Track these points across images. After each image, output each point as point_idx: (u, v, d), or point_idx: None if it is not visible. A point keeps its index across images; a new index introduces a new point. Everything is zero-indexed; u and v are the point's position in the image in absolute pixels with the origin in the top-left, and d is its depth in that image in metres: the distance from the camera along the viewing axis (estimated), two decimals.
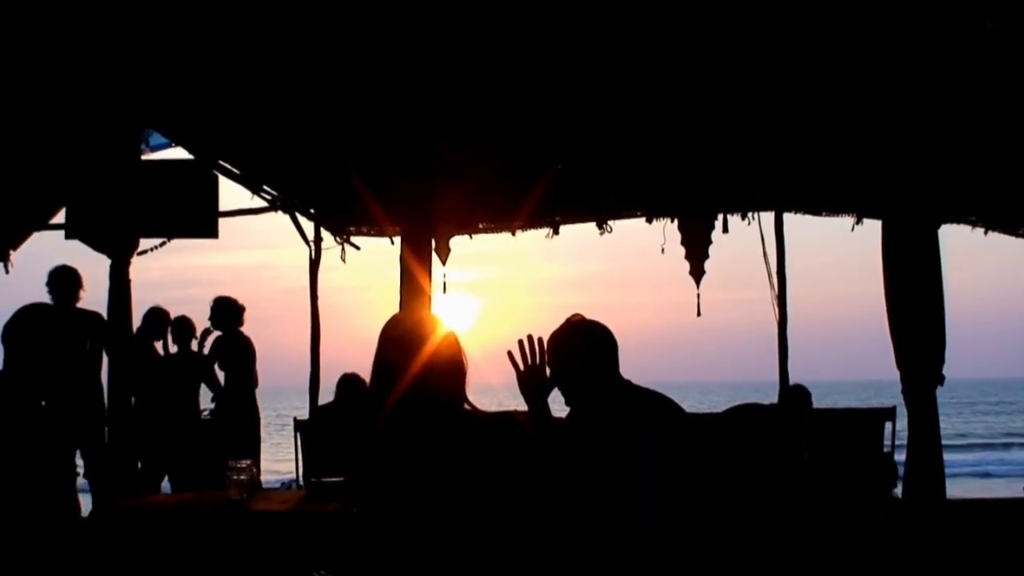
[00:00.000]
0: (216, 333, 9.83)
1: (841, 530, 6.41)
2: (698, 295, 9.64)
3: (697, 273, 9.53)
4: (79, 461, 8.33)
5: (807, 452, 7.34)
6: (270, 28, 5.58)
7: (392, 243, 9.70)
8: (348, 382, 8.13)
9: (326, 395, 8.46)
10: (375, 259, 10.48)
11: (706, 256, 9.45)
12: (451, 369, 3.37)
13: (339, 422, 7.94)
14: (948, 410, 56.81)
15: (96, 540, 4.85)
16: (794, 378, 9.26)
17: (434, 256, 8.30)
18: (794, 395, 8.86)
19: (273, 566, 5.27)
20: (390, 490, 3.30)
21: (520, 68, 6.27)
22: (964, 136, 7.28)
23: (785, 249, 9.45)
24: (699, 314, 9.75)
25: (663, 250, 9.54)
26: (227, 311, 9.84)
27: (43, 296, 8.38)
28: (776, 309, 9.47)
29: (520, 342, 3.88)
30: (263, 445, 10.42)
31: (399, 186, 7.28)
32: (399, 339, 3.38)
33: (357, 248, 10.21)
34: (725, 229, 9.41)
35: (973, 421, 55.71)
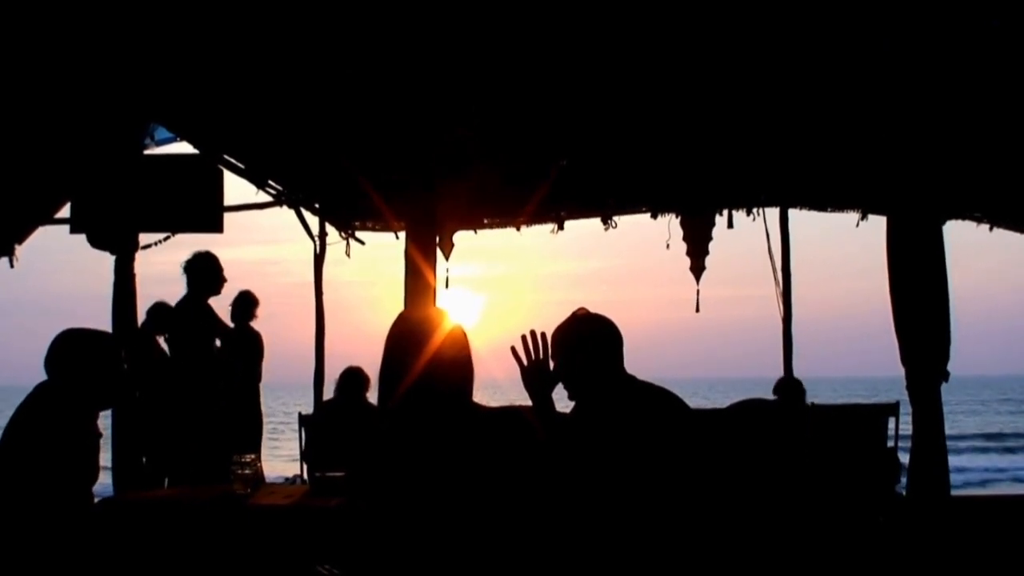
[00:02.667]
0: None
1: (844, 525, 6.42)
2: (697, 291, 9.66)
3: (697, 269, 9.53)
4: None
5: (811, 448, 7.35)
6: (275, 22, 5.58)
7: (397, 238, 9.72)
8: (351, 375, 8.14)
9: (331, 391, 8.47)
10: (380, 254, 10.50)
11: (706, 252, 9.46)
12: (457, 364, 3.37)
13: (342, 416, 7.95)
14: (961, 408, 56.31)
15: (99, 534, 4.86)
16: (799, 374, 9.27)
17: (438, 251, 8.30)
18: (788, 388, 8.82)
19: (277, 561, 5.27)
20: (395, 485, 3.30)
21: (525, 64, 6.27)
22: (969, 132, 7.28)
23: (790, 245, 9.46)
24: (697, 310, 9.76)
25: (668, 246, 9.56)
26: (248, 305, 9.89)
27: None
28: (781, 305, 9.48)
29: (523, 337, 3.88)
30: (264, 440, 10.44)
31: (404, 181, 7.28)
32: (406, 335, 3.38)
33: (362, 243, 10.22)
34: (730, 225, 9.42)
35: (997, 420, 54.63)
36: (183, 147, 7.85)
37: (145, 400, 8.59)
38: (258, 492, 5.98)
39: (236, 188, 8.48)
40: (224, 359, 9.57)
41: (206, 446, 8.80)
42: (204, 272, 8.85)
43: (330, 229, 9.85)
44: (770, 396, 8.75)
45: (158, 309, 9.56)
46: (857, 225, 9.28)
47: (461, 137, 7.39)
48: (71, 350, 4.55)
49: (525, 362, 3.87)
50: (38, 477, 4.36)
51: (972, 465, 28.81)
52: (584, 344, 4.01)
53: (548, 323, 4.05)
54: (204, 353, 8.88)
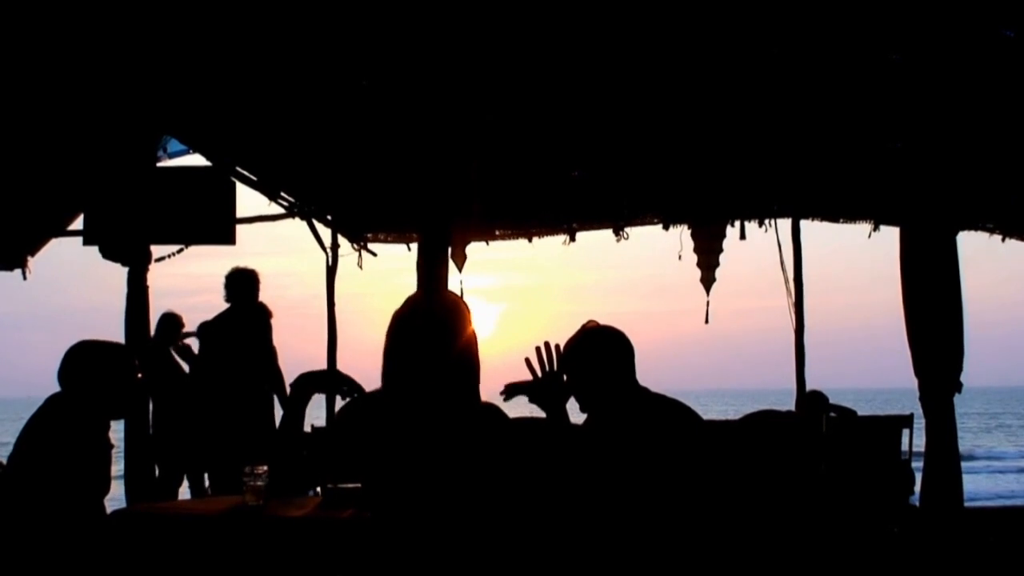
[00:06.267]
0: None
1: (858, 537, 6.39)
2: (707, 302, 9.63)
3: (707, 280, 9.52)
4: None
5: (824, 459, 7.33)
6: (289, 35, 5.60)
7: (409, 249, 9.71)
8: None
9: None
10: (392, 266, 10.49)
11: (716, 264, 9.44)
12: (473, 358, 3.31)
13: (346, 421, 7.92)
14: (973, 422, 55.54)
15: (111, 545, 4.86)
16: (811, 385, 9.25)
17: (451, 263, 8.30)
18: (812, 401, 8.85)
19: (289, 573, 5.27)
20: (405, 487, 3.25)
21: (537, 76, 6.28)
22: (982, 143, 7.26)
23: (802, 256, 9.43)
24: (707, 321, 9.73)
25: (680, 257, 9.55)
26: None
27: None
28: (793, 316, 9.45)
29: (537, 348, 3.88)
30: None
31: (416, 192, 7.29)
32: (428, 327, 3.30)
33: (374, 255, 10.21)
34: (742, 236, 9.39)
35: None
36: (196, 159, 7.88)
37: (158, 411, 8.61)
38: (270, 503, 5.97)
39: (248, 200, 8.49)
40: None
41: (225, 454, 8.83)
42: (249, 284, 8.92)
43: (342, 240, 9.83)
44: (781, 407, 8.74)
45: (168, 319, 9.56)
46: (870, 236, 9.25)
47: (475, 148, 7.40)
48: (84, 362, 4.56)
49: (539, 374, 3.87)
50: (50, 488, 4.37)
51: (984, 484, 28.46)
52: (594, 356, 4.01)
53: (562, 335, 4.05)
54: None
